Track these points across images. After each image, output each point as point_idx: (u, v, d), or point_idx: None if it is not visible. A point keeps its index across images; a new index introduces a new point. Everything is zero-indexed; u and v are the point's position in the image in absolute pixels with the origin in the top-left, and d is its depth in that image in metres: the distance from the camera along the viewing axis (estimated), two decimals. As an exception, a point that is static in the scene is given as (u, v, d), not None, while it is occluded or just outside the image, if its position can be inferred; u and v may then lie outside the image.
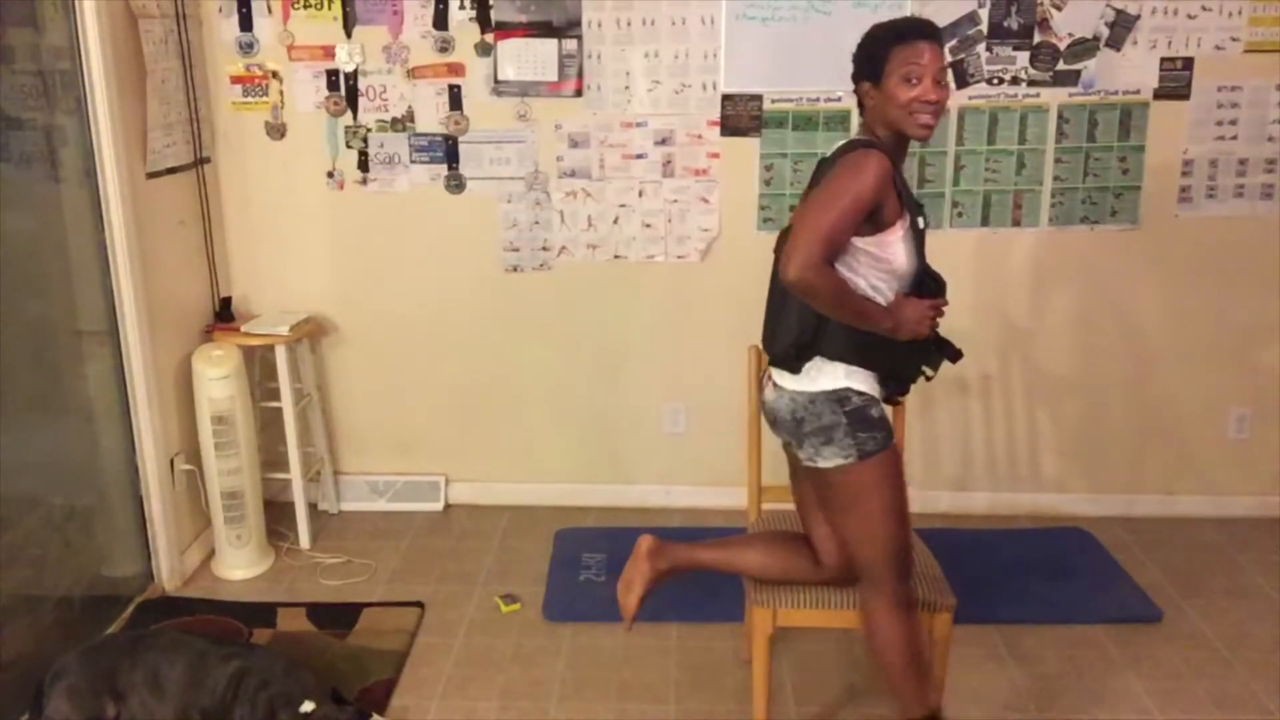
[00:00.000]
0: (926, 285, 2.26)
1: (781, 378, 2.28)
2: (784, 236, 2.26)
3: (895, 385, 2.30)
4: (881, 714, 2.72)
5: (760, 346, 2.42)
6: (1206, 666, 2.90)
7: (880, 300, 2.19)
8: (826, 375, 2.21)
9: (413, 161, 3.61)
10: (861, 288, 2.17)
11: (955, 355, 2.31)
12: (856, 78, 2.22)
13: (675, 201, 3.62)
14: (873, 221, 2.13)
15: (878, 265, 2.17)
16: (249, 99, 3.58)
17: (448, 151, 3.60)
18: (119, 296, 3.07)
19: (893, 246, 2.16)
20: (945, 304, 2.26)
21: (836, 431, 2.19)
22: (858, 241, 2.14)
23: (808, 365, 2.22)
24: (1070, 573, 3.38)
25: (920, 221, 2.23)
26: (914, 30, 2.17)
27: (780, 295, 2.28)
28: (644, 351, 3.77)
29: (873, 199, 2.09)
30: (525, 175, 3.62)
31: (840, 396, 2.19)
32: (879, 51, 2.16)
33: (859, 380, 2.21)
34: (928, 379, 2.35)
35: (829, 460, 2.21)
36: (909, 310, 2.20)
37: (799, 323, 2.21)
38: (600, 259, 3.68)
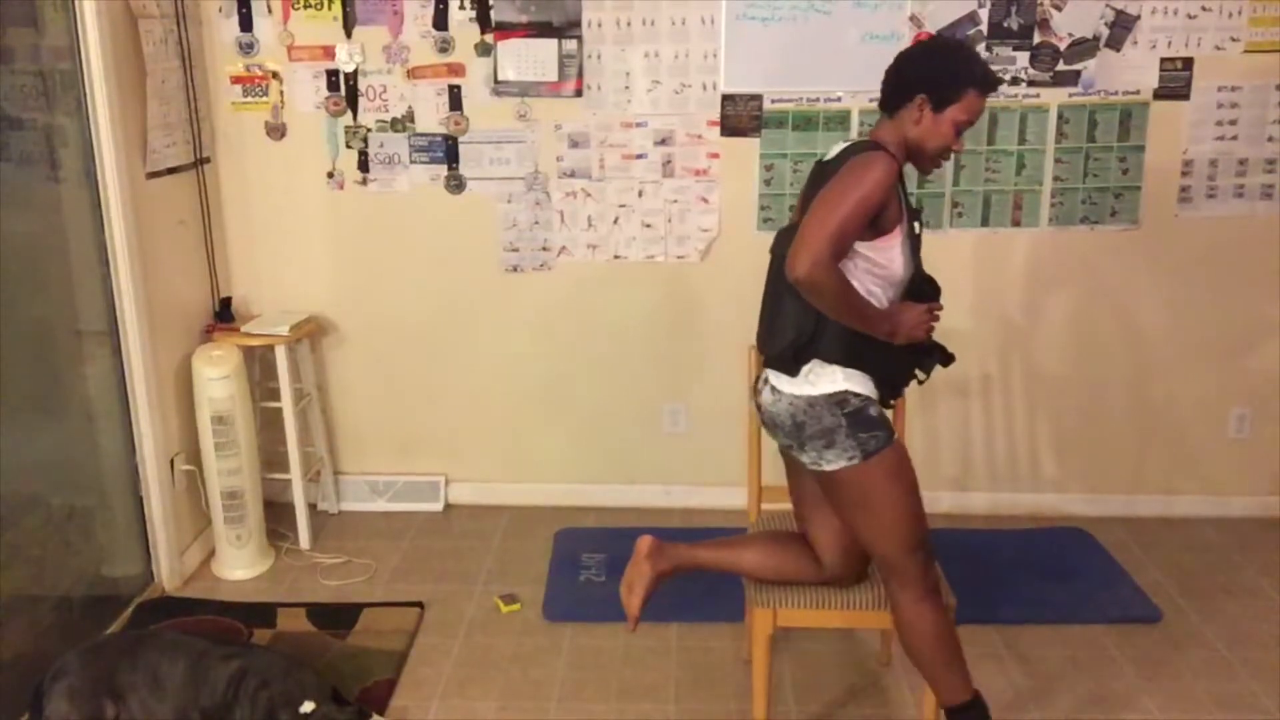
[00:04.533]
0: (923, 290, 2.27)
1: (779, 380, 2.27)
2: (782, 236, 2.26)
3: (889, 388, 2.30)
4: (882, 714, 2.72)
5: (755, 347, 2.41)
6: (1206, 666, 2.90)
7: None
8: (825, 378, 2.20)
9: (413, 161, 3.61)
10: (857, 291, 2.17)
11: (947, 359, 2.32)
12: (915, 89, 2.17)
13: (675, 201, 3.62)
14: (874, 226, 2.12)
15: (874, 270, 2.17)
16: (249, 99, 3.58)
17: (448, 151, 3.60)
18: (119, 296, 3.07)
19: (891, 252, 2.16)
20: (940, 308, 2.26)
21: (838, 434, 2.19)
22: (857, 245, 2.13)
23: (805, 368, 2.21)
24: (1070, 573, 3.38)
25: (917, 226, 2.23)
26: (994, 84, 2.21)
27: (776, 295, 2.27)
28: (644, 351, 3.77)
29: (879, 201, 2.08)
30: (525, 175, 3.62)
31: (839, 399, 2.19)
32: (960, 86, 2.15)
33: (856, 382, 2.21)
34: (920, 382, 2.35)
35: (834, 463, 2.21)
36: (907, 315, 2.21)
37: (796, 324, 2.20)
38: (600, 259, 3.68)
